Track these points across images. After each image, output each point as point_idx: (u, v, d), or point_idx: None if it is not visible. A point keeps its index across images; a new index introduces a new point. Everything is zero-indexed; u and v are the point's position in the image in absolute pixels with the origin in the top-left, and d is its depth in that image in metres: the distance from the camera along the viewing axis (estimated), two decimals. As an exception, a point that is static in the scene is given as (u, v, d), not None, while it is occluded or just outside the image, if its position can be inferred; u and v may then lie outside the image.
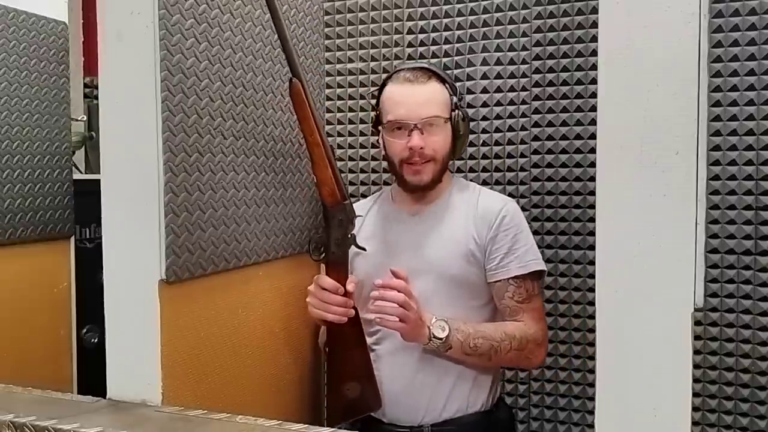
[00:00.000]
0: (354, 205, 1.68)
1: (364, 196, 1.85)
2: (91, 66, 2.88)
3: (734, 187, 1.41)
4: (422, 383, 1.51)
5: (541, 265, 1.53)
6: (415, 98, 1.49)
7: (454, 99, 1.53)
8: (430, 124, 1.49)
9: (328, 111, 1.93)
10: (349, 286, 1.48)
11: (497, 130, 1.81)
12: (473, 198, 1.57)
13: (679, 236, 0.89)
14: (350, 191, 1.91)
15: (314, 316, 1.52)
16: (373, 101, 1.61)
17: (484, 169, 1.81)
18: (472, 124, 1.76)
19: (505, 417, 1.61)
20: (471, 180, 1.80)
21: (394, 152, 1.53)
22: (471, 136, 1.72)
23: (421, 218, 1.57)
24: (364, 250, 1.53)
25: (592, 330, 1.49)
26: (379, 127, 1.57)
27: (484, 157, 1.81)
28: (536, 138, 1.77)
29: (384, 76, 1.88)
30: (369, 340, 1.56)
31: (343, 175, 1.94)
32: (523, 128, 1.78)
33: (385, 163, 1.88)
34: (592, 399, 1.67)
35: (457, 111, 1.52)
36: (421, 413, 1.51)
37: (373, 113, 1.62)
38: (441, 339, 1.43)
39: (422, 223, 1.56)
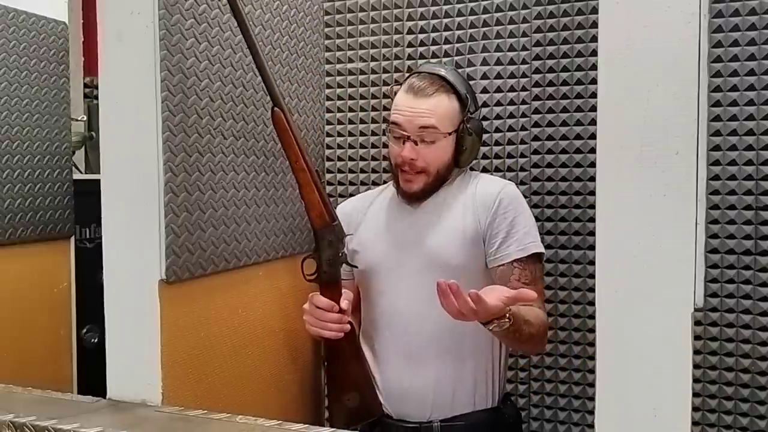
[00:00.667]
0: (358, 196, 1.73)
1: (364, 196, 1.85)
2: (91, 66, 2.88)
3: (734, 187, 1.41)
4: (430, 379, 1.52)
5: (540, 248, 1.53)
6: (415, 110, 1.49)
7: (469, 110, 1.52)
8: (425, 137, 1.49)
9: (328, 111, 1.93)
10: (343, 304, 1.50)
11: (497, 130, 1.80)
12: (472, 185, 1.57)
13: (679, 236, 0.89)
14: (350, 191, 1.91)
15: (312, 333, 1.55)
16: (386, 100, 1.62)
17: (484, 169, 1.81)
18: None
19: (512, 413, 1.61)
20: (471, 180, 1.80)
21: (392, 156, 1.55)
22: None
23: (424, 211, 1.57)
24: (356, 267, 1.57)
25: (592, 330, 1.49)
26: None
27: (484, 157, 1.81)
28: (536, 138, 1.77)
29: (384, 76, 1.89)
30: (377, 336, 1.58)
31: (342, 175, 1.94)
32: (523, 128, 1.78)
33: (385, 163, 1.88)
34: (592, 399, 1.67)
35: (465, 124, 1.52)
36: (429, 409, 1.52)
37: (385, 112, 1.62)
38: (499, 330, 1.36)
39: (424, 216, 1.57)
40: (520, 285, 1.48)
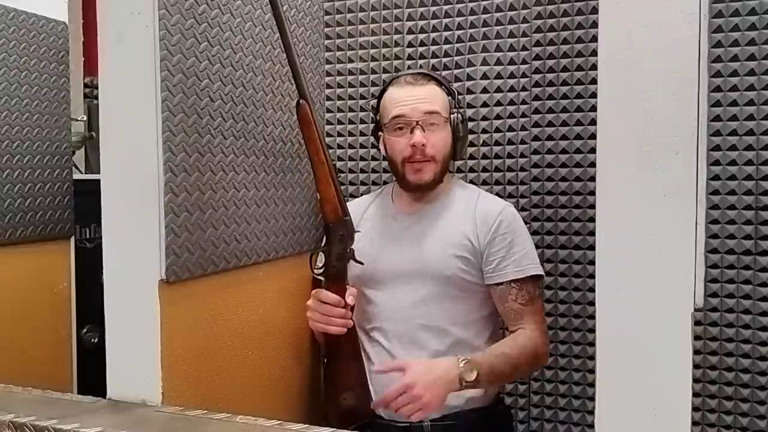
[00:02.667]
0: (353, 201, 1.72)
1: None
2: (91, 66, 2.87)
3: (734, 187, 1.41)
4: None
5: (539, 270, 1.55)
6: (417, 97, 1.52)
7: (453, 101, 1.57)
8: (431, 123, 1.51)
9: (328, 111, 1.93)
10: (349, 299, 1.50)
11: (497, 130, 1.81)
12: (472, 200, 1.58)
13: (679, 236, 0.88)
14: (350, 191, 1.91)
15: (316, 329, 1.55)
16: (372, 104, 1.63)
17: (484, 169, 1.81)
18: (471, 124, 1.77)
19: (503, 413, 1.62)
20: (471, 180, 1.80)
21: (396, 152, 1.54)
22: (471, 136, 1.74)
23: (419, 218, 1.58)
24: (362, 263, 1.56)
25: (592, 330, 1.49)
26: (379, 133, 1.59)
27: (484, 157, 1.81)
28: (536, 138, 1.77)
29: (384, 76, 1.89)
30: (365, 337, 1.59)
31: (342, 175, 1.94)
32: (523, 128, 1.78)
33: (385, 163, 1.88)
34: (592, 399, 1.67)
35: (456, 113, 1.55)
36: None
37: (372, 116, 1.63)
38: (471, 381, 1.41)
39: (419, 223, 1.57)
40: (518, 305, 1.51)
